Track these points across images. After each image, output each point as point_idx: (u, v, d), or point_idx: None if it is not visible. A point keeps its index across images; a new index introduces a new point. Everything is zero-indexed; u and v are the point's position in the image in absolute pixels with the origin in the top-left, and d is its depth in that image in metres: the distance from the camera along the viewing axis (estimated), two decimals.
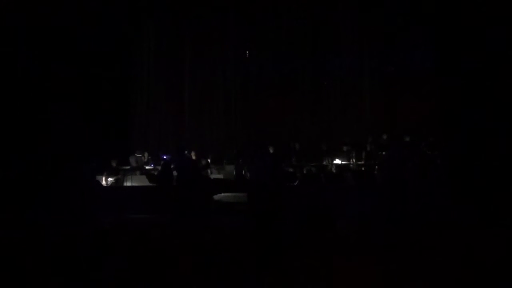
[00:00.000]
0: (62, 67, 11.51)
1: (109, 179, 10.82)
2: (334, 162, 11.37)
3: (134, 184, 10.68)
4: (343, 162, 11.32)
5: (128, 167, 11.35)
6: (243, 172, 10.98)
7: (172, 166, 9.96)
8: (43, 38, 11.42)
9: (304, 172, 11.13)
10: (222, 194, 10.02)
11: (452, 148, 10.48)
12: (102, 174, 10.73)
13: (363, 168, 11.09)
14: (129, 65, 13.54)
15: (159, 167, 10.70)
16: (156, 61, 13.77)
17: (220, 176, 11.14)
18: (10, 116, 10.89)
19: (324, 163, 11.40)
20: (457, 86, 11.36)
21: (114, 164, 11.09)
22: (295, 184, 10.39)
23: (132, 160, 11.47)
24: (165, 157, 11.28)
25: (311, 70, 13.59)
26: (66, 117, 11.26)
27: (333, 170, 11.22)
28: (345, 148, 11.63)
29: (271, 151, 10.88)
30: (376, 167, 10.71)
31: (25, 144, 10.63)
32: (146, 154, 11.97)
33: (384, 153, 10.58)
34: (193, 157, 10.93)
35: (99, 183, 10.53)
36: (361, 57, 13.46)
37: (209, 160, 11.65)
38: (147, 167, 11.52)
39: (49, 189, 9.32)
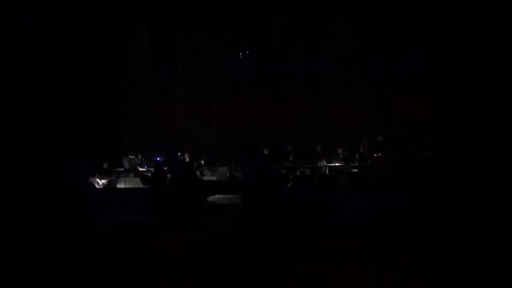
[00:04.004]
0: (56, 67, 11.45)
1: (102, 181, 10.77)
2: (328, 164, 11.36)
3: (127, 186, 10.64)
4: (336, 164, 11.32)
5: (121, 169, 11.31)
6: (236, 174, 10.97)
7: (165, 168, 9.94)
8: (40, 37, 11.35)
9: (298, 173, 11.13)
10: (216, 196, 10.02)
11: (446, 149, 10.49)
12: (94, 176, 10.67)
13: (356, 170, 11.08)
14: (122, 66, 13.48)
15: (152, 169, 10.66)
16: (150, 61, 13.73)
17: (214, 177, 11.12)
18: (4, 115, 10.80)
19: (318, 164, 11.40)
20: (452, 87, 11.40)
21: (105, 166, 11.03)
22: (289, 186, 10.38)
23: (125, 162, 11.43)
24: (158, 158, 11.25)
25: (305, 71, 13.60)
26: (59, 117, 11.21)
27: (327, 172, 11.22)
28: (339, 150, 11.64)
29: (266, 152, 10.92)
30: (371, 168, 10.71)
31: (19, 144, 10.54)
32: (139, 156, 11.93)
33: (380, 155, 10.58)
34: (187, 159, 10.92)
35: (92, 185, 10.48)
36: (355, 58, 13.48)
37: (202, 162, 11.63)
38: (140, 169, 11.48)
39: (42, 189, 9.26)
